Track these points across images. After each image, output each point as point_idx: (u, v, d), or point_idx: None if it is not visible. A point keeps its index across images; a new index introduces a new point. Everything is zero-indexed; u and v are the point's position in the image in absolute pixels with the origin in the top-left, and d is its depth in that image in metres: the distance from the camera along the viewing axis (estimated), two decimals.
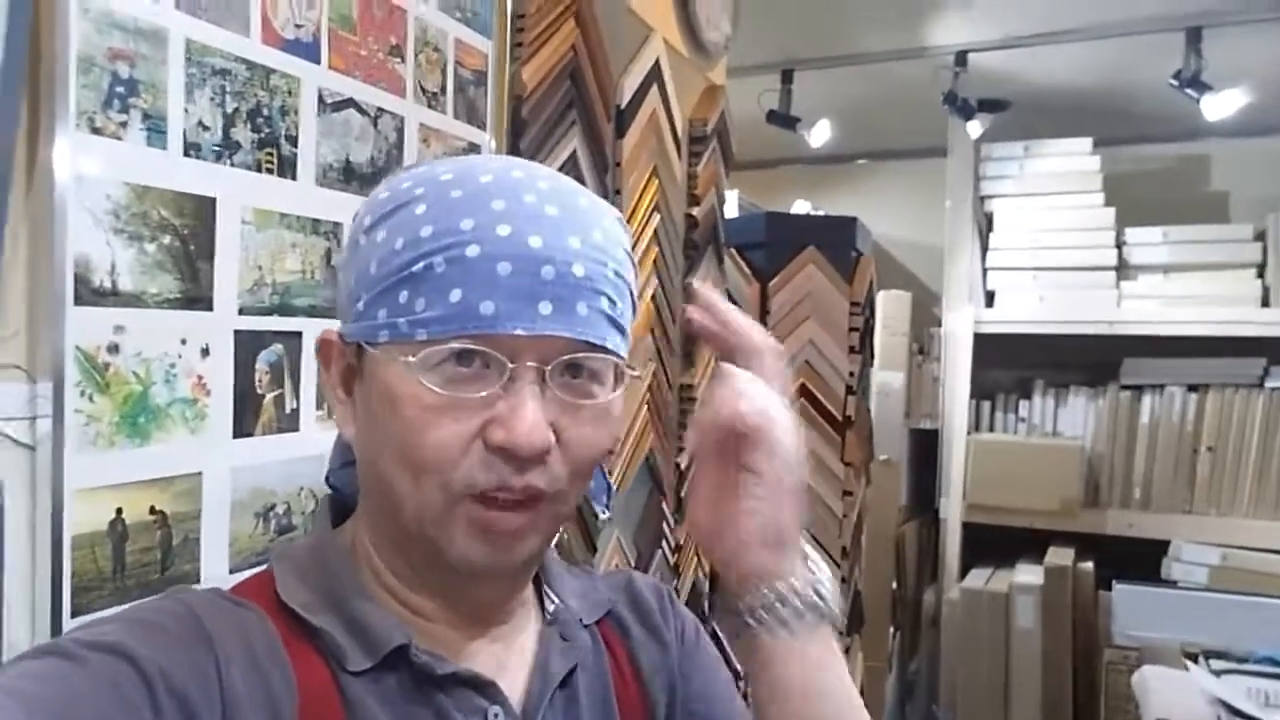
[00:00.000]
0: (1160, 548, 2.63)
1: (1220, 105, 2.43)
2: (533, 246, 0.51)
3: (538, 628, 0.62)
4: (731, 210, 2.27)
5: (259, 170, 0.81)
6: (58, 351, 0.67)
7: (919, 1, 2.40)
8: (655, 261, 1.53)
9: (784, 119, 2.72)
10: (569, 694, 0.59)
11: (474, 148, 1.10)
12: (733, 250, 1.96)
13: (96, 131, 0.69)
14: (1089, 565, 2.64)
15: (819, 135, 2.84)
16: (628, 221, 1.45)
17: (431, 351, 0.50)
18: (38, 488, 0.66)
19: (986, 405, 2.97)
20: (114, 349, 0.70)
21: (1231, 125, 2.73)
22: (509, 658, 0.59)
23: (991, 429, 2.96)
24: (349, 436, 0.57)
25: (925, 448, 2.99)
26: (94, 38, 0.69)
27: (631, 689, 0.64)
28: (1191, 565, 2.59)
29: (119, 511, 0.70)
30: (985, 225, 2.92)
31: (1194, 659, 1.87)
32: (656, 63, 1.53)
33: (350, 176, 0.91)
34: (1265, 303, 2.60)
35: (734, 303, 2.04)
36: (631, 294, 0.57)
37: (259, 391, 0.82)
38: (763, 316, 1.96)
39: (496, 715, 0.55)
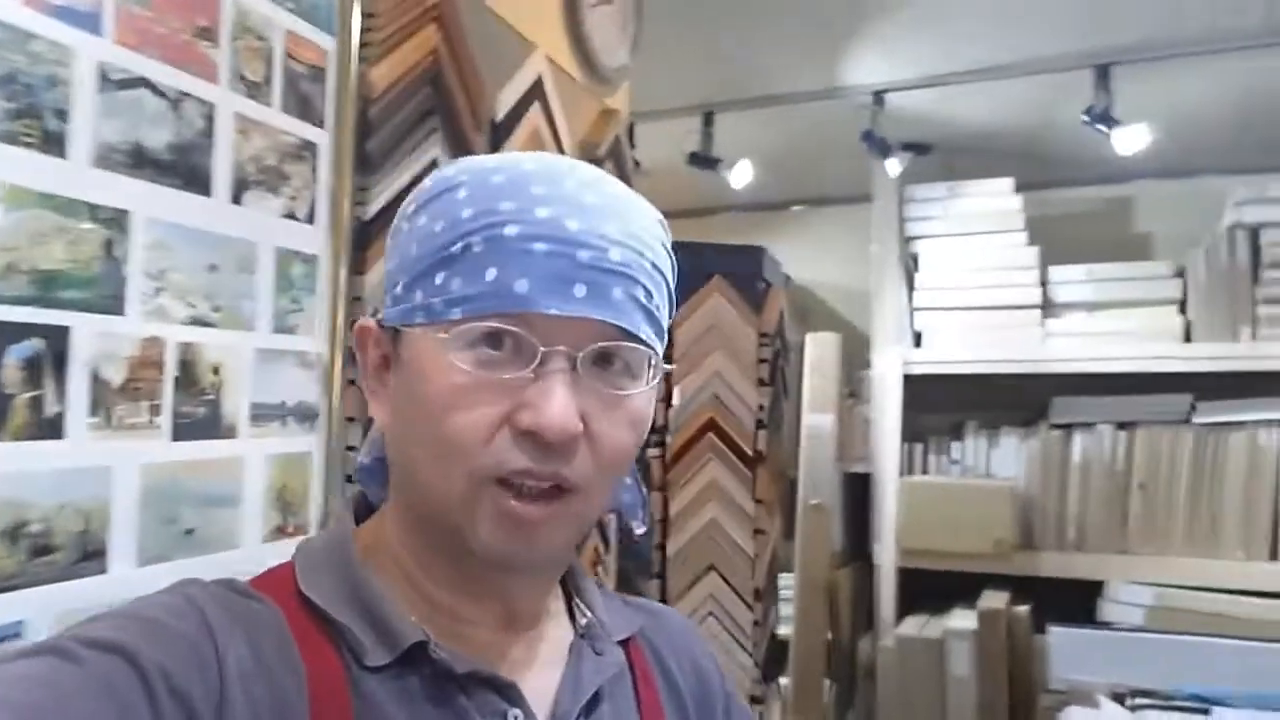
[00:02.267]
0: (1096, 588, 2.57)
1: (1131, 139, 2.45)
2: (570, 229, 0.51)
3: (569, 639, 0.61)
4: None
5: (13, 143, 0.74)
6: None
7: (831, 39, 2.41)
8: None
9: (704, 160, 2.70)
10: (594, 710, 0.58)
11: (308, 145, 1.04)
12: None
13: None
14: (1024, 609, 2.56)
15: (740, 176, 2.82)
16: None
17: (463, 329, 0.50)
18: None
19: (919, 448, 2.92)
20: None
21: (1150, 167, 2.75)
22: (537, 665, 0.58)
23: (925, 471, 2.91)
24: (383, 427, 0.57)
25: (858, 492, 2.92)
26: None
27: (653, 714, 0.63)
28: (1127, 605, 2.53)
29: None
30: (912, 266, 2.91)
31: (1121, 700, 1.80)
32: (539, 80, 1.49)
33: (142, 161, 0.84)
34: (1187, 338, 2.60)
35: None
36: (670, 292, 0.57)
37: (6, 391, 0.73)
38: (669, 348, 1.89)
39: (516, 718, 0.54)
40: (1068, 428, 2.73)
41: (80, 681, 0.43)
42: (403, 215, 0.56)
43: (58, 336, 0.77)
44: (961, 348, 2.78)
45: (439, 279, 0.52)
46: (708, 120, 2.80)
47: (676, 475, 1.82)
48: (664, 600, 1.85)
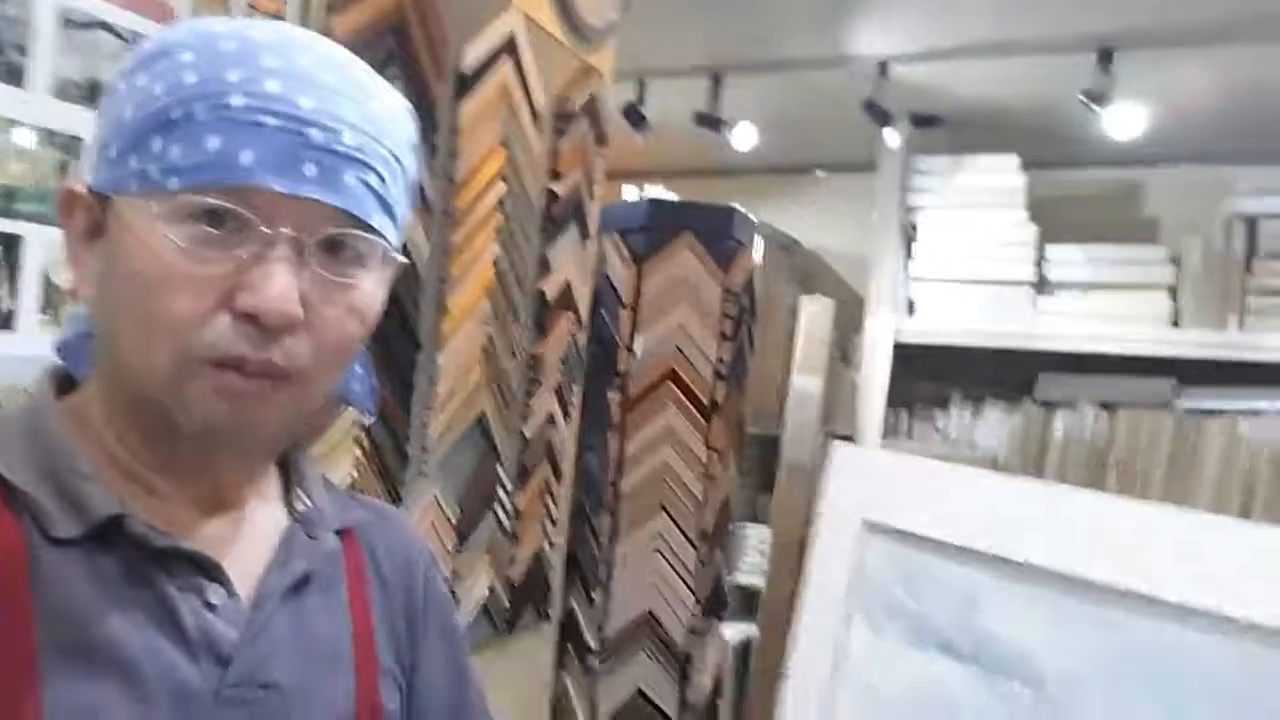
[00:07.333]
0: None
1: (1128, 123, 2.46)
2: (303, 106, 0.49)
3: (284, 525, 0.60)
4: None
5: None
6: None
7: (836, 8, 2.44)
8: (498, 229, 1.57)
9: (709, 120, 2.76)
10: (301, 594, 0.58)
11: None
12: (616, 233, 2.00)
13: None
14: None
15: (743, 139, 2.88)
16: (461, 188, 1.49)
17: (181, 202, 0.47)
18: None
19: (904, 414, 2.98)
20: None
21: (1154, 153, 2.75)
22: (243, 545, 0.57)
23: (910, 437, 2.97)
24: (86, 299, 0.54)
25: None
26: None
27: (363, 608, 0.63)
28: None
29: None
30: (911, 235, 2.95)
31: None
32: (512, 35, 1.57)
33: (98, 94, 0.96)
34: (1176, 323, 2.61)
35: (609, 282, 2.07)
36: (408, 181, 0.56)
37: None
38: (636, 298, 1.99)
39: (216, 593, 0.53)
40: (1051, 405, 2.77)
41: None
42: (120, 74, 0.53)
43: (14, 244, 0.89)
44: (953, 319, 2.82)
45: (156, 145, 0.48)
46: (715, 81, 2.85)
47: (634, 419, 1.92)
48: (614, 535, 1.96)
